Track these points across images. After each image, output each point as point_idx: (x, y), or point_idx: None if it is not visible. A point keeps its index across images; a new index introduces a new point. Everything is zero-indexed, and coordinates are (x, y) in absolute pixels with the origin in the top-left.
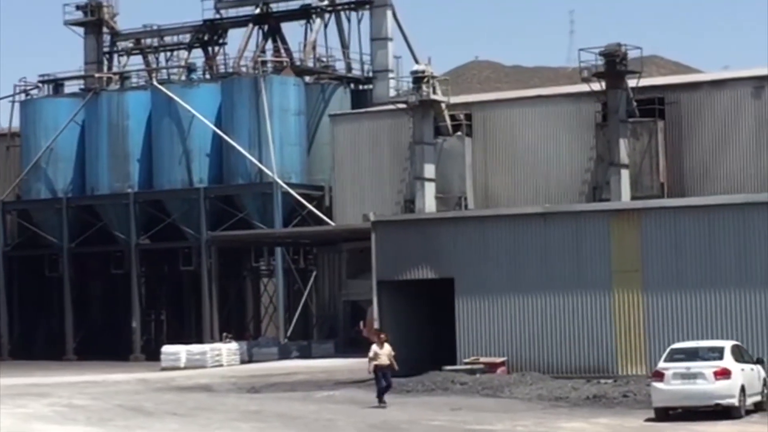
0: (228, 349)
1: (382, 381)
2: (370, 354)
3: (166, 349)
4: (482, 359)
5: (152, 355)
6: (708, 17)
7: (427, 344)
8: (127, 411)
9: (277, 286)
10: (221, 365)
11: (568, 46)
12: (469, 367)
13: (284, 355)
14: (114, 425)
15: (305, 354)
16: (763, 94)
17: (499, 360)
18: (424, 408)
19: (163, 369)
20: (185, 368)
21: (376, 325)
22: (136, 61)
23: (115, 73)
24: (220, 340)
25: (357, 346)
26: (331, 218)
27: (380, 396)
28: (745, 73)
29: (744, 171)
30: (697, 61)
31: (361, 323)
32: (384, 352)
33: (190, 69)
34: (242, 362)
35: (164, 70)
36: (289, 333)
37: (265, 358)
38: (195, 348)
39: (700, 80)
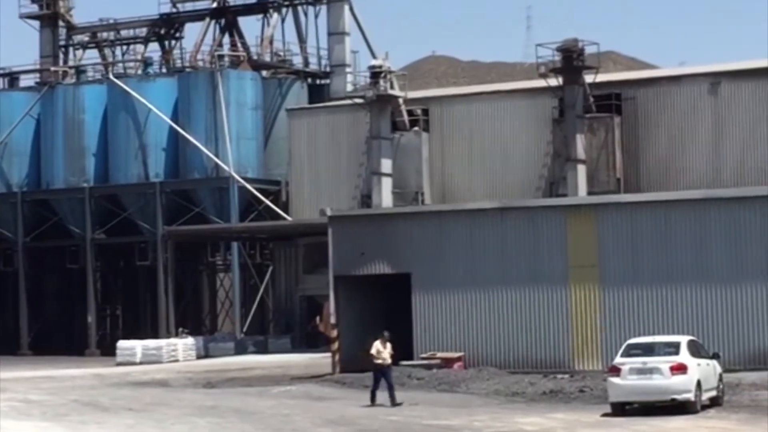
0: (184, 344)
1: (379, 380)
2: (373, 351)
3: (122, 344)
4: (439, 354)
5: (107, 350)
6: (663, 13)
7: None
8: (82, 406)
9: (233, 281)
10: (177, 360)
11: (525, 42)
12: (425, 362)
13: (240, 350)
14: (70, 420)
15: (261, 349)
16: (719, 90)
17: (455, 355)
18: (381, 403)
19: (119, 364)
20: (141, 363)
21: (332, 321)
22: (92, 55)
23: (70, 67)
24: (176, 335)
25: (313, 341)
26: (287, 213)
27: (373, 395)
28: (701, 69)
29: (700, 167)
30: (652, 57)
31: (318, 318)
32: (386, 351)
33: (146, 63)
34: (198, 357)
35: (120, 64)
36: (245, 328)
37: (222, 353)
38: (151, 343)
39: (657, 76)
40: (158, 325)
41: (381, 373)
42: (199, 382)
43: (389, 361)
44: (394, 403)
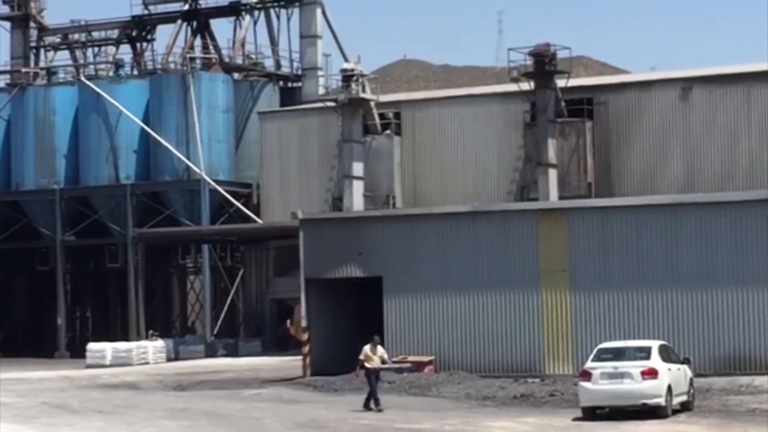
0: (154, 347)
1: (375, 384)
2: (361, 356)
3: (92, 346)
4: (410, 358)
5: (77, 353)
6: (634, 18)
7: (355, 343)
8: (52, 408)
9: (203, 284)
10: (147, 363)
11: (497, 46)
12: (396, 365)
13: (211, 353)
14: (39, 423)
15: (232, 352)
16: (690, 96)
17: (426, 359)
18: (352, 406)
19: (88, 366)
20: (111, 366)
21: (303, 324)
22: (63, 57)
23: (42, 68)
24: (146, 337)
25: (284, 344)
26: (258, 216)
27: (368, 400)
28: (673, 75)
29: (671, 172)
30: (624, 62)
31: (288, 321)
32: (377, 355)
33: (117, 65)
34: (168, 360)
35: (92, 66)
36: (215, 331)
37: (192, 355)
38: (121, 345)
39: (628, 81)
40: (128, 328)
41: (374, 377)
42: (170, 385)
43: (378, 365)
44: (366, 407)
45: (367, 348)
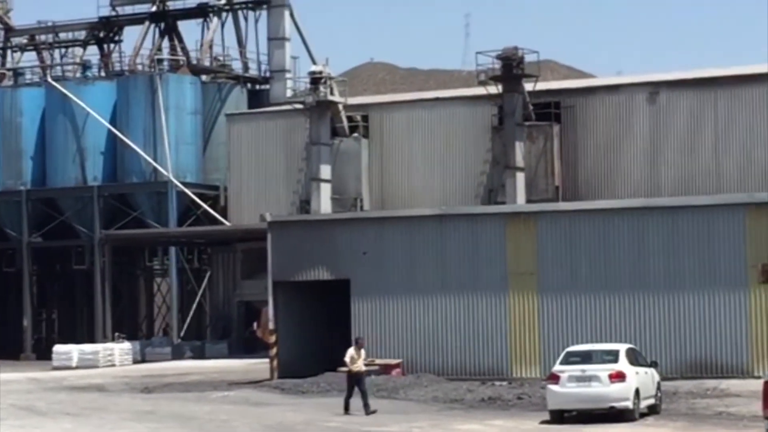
0: (120, 349)
1: (356, 388)
2: (347, 358)
3: (58, 348)
4: (377, 361)
5: (43, 355)
6: (600, 23)
7: (323, 345)
8: (19, 410)
9: (170, 286)
10: (114, 365)
11: (464, 50)
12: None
13: (177, 355)
14: (7, 425)
15: (199, 354)
16: (658, 100)
17: (394, 362)
18: (319, 409)
19: (55, 368)
20: (77, 368)
21: (271, 326)
22: (30, 58)
23: (8, 69)
24: (113, 339)
25: (251, 347)
26: (226, 218)
27: (347, 403)
28: (640, 79)
29: (638, 175)
30: (590, 66)
31: (255, 324)
32: (361, 358)
33: (85, 66)
34: (135, 362)
35: (59, 67)
36: (182, 333)
37: (158, 358)
38: (87, 347)
39: (596, 85)
40: (95, 330)
41: (356, 380)
42: (137, 387)
43: (363, 368)
44: (368, 412)
45: (352, 350)
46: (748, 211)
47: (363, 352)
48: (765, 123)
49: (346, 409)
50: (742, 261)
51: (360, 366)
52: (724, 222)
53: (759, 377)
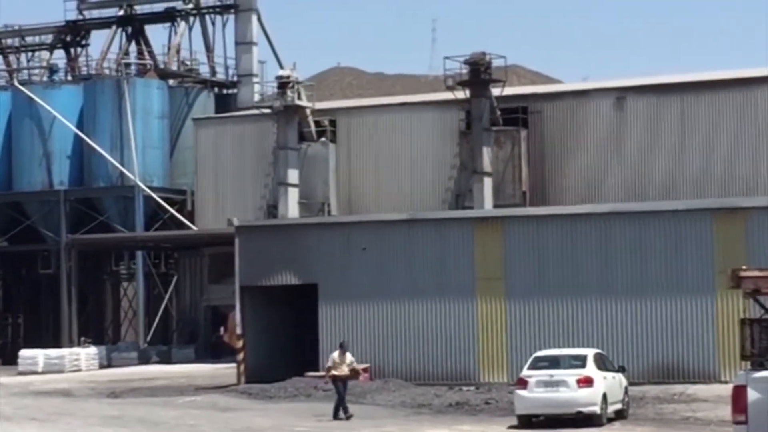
0: (87, 354)
1: (342, 392)
2: (329, 363)
3: (24, 353)
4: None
5: (9, 359)
6: (567, 28)
7: (290, 350)
8: None
9: (137, 290)
10: (80, 370)
11: (430, 55)
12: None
13: (144, 359)
14: None
15: (165, 359)
16: (625, 105)
17: (361, 366)
18: (287, 414)
19: (20, 373)
20: (43, 372)
21: (238, 331)
22: None
23: None
24: (79, 344)
25: (218, 352)
26: (193, 222)
27: (337, 409)
28: (607, 84)
29: (605, 181)
30: (556, 72)
31: (222, 329)
32: (345, 362)
33: (51, 70)
34: (101, 367)
35: (25, 71)
36: (149, 338)
37: (125, 362)
38: (53, 352)
39: (563, 90)
40: (61, 334)
41: (342, 384)
42: (103, 392)
43: (346, 372)
44: (336, 416)
45: (335, 355)
46: (715, 216)
47: (349, 355)
48: (730, 128)
49: (336, 414)
50: (710, 266)
51: (344, 370)
52: (692, 227)
53: (726, 382)
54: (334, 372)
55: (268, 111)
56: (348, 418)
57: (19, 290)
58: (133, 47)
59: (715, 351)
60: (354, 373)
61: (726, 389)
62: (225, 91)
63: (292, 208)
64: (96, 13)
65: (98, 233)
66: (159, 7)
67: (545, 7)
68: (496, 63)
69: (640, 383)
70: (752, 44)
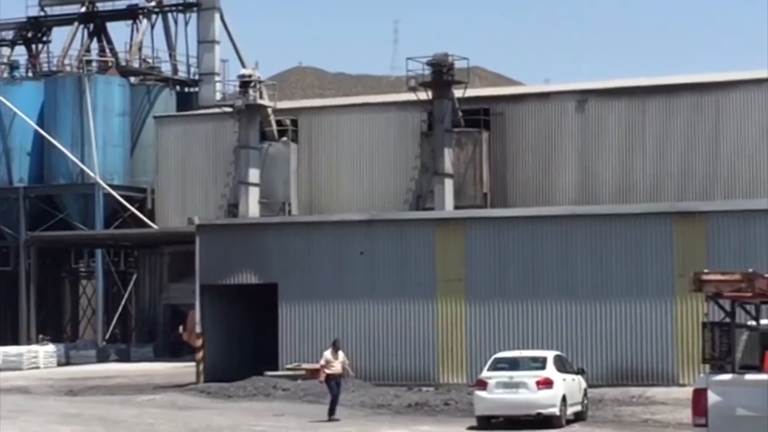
0: (45, 351)
1: (335, 391)
2: (322, 361)
3: None
4: (304, 365)
5: None
6: (528, 30)
7: (250, 349)
8: None
9: (96, 288)
10: (38, 367)
11: (392, 55)
12: (291, 372)
13: (102, 358)
14: None
15: (124, 357)
16: (586, 108)
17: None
18: (246, 413)
19: None
20: (1, 370)
21: (197, 330)
22: None
23: None
24: (37, 341)
25: (177, 350)
26: (153, 221)
27: (332, 409)
28: (569, 87)
29: (567, 183)
30: (518, 74)
31: (181, 327)
32: (338, 361)
33: (12, 66)
34: (59, 365)
35: None
36: (107, 336)
37: (83, 360)
38: (11, 349)
39: (525, 92)
40: (19, 332)
41: (335, 383)
42: (61, 390)
43: (340, 370)
44: (331, 417)
45: (327, 353)
46: (675, 220)
47: (341, 354)
48: (691, 132)
49: (331, 413)
50: (670, 270)
51: (337, 368)
52: (652, 231)
53: (684, 385)
54: (326, 371)
55: (229, 110)
56: (332, 420)
57: None
58: (94, 44)
59: (673, 354)
60: (345, 372)
61: (684, 392)
62: (187, 90)
63: (252, 207)
64: (58, 10)
65: (58, 231)
66: (121, 5)
67: (507, 9)
68: (459, 64)
69: (599, 385)
70: (711, 49)
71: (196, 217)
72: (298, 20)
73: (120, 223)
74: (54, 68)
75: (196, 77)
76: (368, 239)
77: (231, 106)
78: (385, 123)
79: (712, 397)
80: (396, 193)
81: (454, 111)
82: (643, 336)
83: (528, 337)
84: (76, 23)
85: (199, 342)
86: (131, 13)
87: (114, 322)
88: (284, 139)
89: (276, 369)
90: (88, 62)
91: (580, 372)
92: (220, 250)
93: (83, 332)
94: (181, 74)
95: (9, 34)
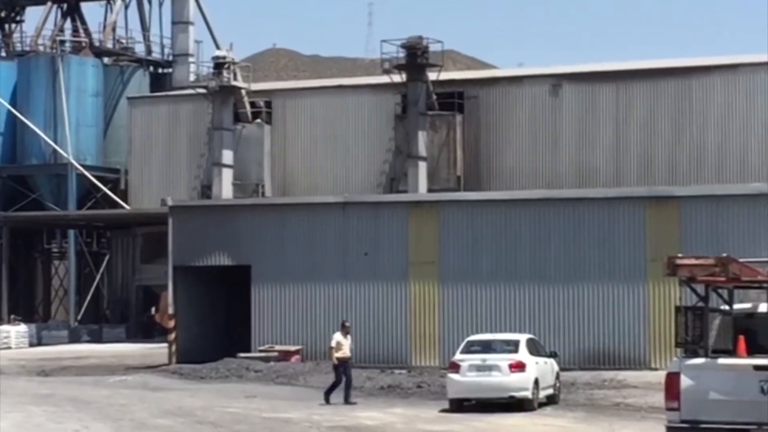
0: (16, 332)
1: (342, 376)
2: (332, 344)
3: None
4: (277, 347)
5: None
6: (502, 14)
7: (222, 331)
8: None
9: (68, 269)
10: (9, 347)
11: (366, 37)
12: (263, 354)
13: (74, 338)
14: None
15: (96, 338)
16: (560, 92)
17: (293, 348)
18: (218, 395)
19: None
20: None
21: (170, 311)
22: None
23: None
24: (9, 322)
25: (149, 332)
26: (126, 202)
27: (329, 393)
28: (543, 71)
29: (540, 167)
30: (492, 57)
31: (154, 308)
32: (348, 343)
33: None
34: (31, 345)
35: None
36: (79, 317)
37: (55, 341)
38: None
39: (499, 76)
40: None
41: (342, 367)
42: (33, 370)
43: (350, 354)
44: (348, 401)
45: (338, 335)
46: (648, 204)
47: (350, 337)
48: (664, 117)
49: (327, 398)
50: (642, 254)
51: (347, 352)
52: (625, 215)
53: (656, 369)
54: (337, 355)
55: (203, 91)
56: (348, 403)
57: None
58: (68, 24)
59: (645, 338)
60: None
61: (656, 376)
62: (160, 71)
63: (226, 188)
64: None
65: (30, 211)
66: None
67: None
68: (433, 48)
69: (572, 369)
70: (693, 34)
71: (169, 198)
72: (272, 2)
73: (93, 204)
74: (27, 48)
75: (170, 58)
76: (342, 222)
77: (205, 87)
78: (359, 105)
79: (685, 381)
80: (370, 176)
81: (428, 94)
82: (615, 320)
83: (501, 321)
84: (49, 3)
85: (171, 323)
86: None
87: (86, 302)
88: (258, 120)
89: (248, 351)
90: (62, 42)
91: (552, 355)
92: (193, 232)
93: (55, 313)
94: (155, 55)
95: None
